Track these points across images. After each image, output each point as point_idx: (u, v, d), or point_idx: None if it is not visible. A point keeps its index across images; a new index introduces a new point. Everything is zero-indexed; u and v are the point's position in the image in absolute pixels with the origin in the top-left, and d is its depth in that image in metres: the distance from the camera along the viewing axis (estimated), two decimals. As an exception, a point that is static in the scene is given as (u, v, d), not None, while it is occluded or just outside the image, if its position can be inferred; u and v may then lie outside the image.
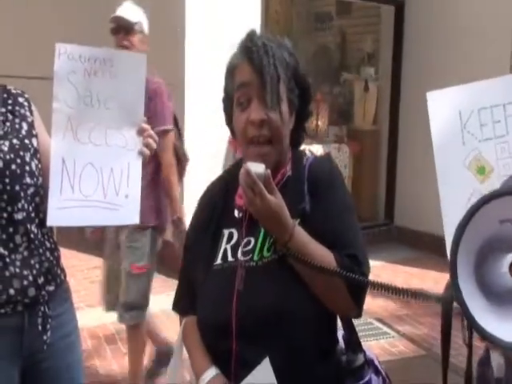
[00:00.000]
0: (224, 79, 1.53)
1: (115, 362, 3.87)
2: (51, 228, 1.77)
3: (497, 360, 1.13)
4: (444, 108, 1.99)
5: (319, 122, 6.95)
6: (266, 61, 1.40)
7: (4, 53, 6.01)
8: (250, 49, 1.43)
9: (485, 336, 1.04)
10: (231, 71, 1.49)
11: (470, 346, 1.25)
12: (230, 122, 1.54)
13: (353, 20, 7.96)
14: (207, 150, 5.01)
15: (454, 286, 1.05)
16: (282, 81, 1.43)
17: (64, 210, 1.59)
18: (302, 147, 1.63)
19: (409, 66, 6.93)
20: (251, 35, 1.47)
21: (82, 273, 5.41)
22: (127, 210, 1.64)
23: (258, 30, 1.54)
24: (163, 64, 4.80)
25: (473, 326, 1.05)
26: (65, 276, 1.82)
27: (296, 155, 1.55)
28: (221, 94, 1.56)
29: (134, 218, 1.65)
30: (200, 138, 5.02)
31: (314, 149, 6.00)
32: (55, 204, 1.59)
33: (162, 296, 3.72)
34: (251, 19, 5.36)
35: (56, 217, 1.60)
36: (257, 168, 1.32)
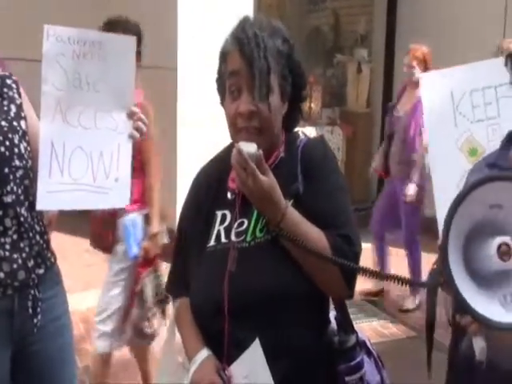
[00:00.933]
0: (218, 61, 1.52)
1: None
2: (41, 211, 1.76)
3: (479, 344, 1.14)
4: (436, 89, 1.99)
5: (312, 105, 6.93)
6: (256, 53, 1.39)
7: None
8: (240, 40, 1.42)
9: (475, 316, 1.06)
10: (224, 56, 1.49)
11: (458, 328, 1.27)
12: (221, 101, 1.54)
13: (346, 1, 7.90)
14: (201, 139, 4.99)
15: (445, 267, 1.07)
16: (273, 71, 1.42)
17: (53, 193, 1.59)
18: (295, 129, 1.63)
19: (402, 47, 6.88)
20: (243, 23, 1.46)
21: (75, 256, 5.39)
22: (117, 193, 1.64)
23: (251, 14, 1.52)
24: (156, 49, 4.78)
25: (464, 306, 1.06)
26: (55, 259, 1.82)
27: (289, 138, 1.55)
28: (214, 82, 1.55)
29: (125, 201, 1.65)
30: (193, 127, 5.01)
31: (307, 131, 5.99)
32: (44, 187, 1.59)
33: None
34: (244, 2, 5.32)
35: (45, 200, 1.59)
36: (249, 148, 1.33)
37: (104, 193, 1.62)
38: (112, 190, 1.63)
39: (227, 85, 1.46)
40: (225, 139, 1.58)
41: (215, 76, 1.54)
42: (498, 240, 1.07)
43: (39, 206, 1.61)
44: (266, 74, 1.40)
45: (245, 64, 1.41)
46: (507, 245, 1.07)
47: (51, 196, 1.59)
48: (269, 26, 1.48)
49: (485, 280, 1.11)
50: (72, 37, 1.58)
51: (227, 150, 1.59)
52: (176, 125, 5.24)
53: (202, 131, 5.01)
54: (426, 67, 4.44)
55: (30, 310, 1.69)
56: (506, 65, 1.38)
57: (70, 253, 5.42)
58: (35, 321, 1.71)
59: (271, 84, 1.42)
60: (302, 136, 1.56)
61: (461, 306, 1.10)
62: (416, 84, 3.91)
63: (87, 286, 4.71)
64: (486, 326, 1.07)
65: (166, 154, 5.22)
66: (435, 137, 1.97)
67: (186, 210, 1.63)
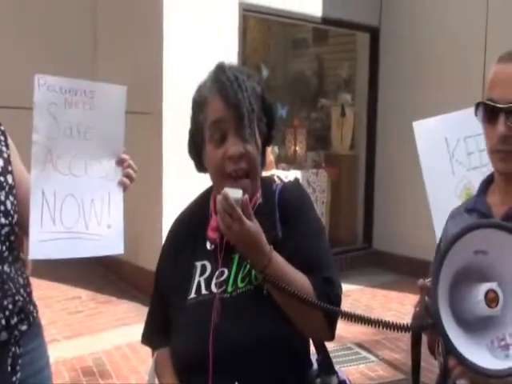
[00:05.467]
0: (192, 110, 1.52)
1: (93, 393, 3.81)
2: (24, 263, 1.73)
3: None
4: (431, 137, 2.01)
5: (297, 148, 7.01)
6: (240, 95, 1.40)
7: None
8: (222, 82, 1.42)
9: (462, 361, 1.07)
10: (201, 104, 1.48)
11: (446, 370, 1.27)
12: (196, 153, 1.53)
13: (329, 47, 8.08)
14: (184, 171, 4.99)
15: (434, 312, 1.09)
16: (255, 112, 1.44)
17: (46, 242, 1.57)
18: (271, 173, 1.64)
19: (385, 91, 7.03)
20: (222, 67, 1.47)
21: (60, 304, 5.33)
22: (111, 240, 1.63)
23: (236, 58, 1.56)
24: (142, 96, 4.82)
25: (451, 350, 1.08)
26: (37, 312, 1.78)
27: (265, 182, 1.56)
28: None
29: (118, 248, 1.64)
30: (177, 159, 5.01)
31: (291, 175, 6.04)
32: (37, 237, 1.56)
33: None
34: (229, 47, 5.42)
35: (38, 250, 1.57)
36: (234, 193, 1.33)
37: (97, 240, 1.61)
38: (105, 237, 1.62)
39: (208, 134, 1.45)
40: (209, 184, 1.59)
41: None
42: (485, 286, 1.09)
43: (32, 256, 1.58)
44: (252, 115, 1.42)
45: (229, 108, 1.41)
46: (494, 291, 1.09)
47: (44, 245, 1.57)
48: (243, 69, 1.51)
49: (472, 325, 1.12)
50: (64, 86, 1.58)
51: (203, 198, 1.60)
52: (162, 170, 5.25)
53: (188, 175, 5.03)
54: None
55: (10, 368, 1.64)
56: (476, 115, 1.41)
57: (54, 301, 5.37)
58: (14, 379, 1.65)
59: (255, 125, 1.44)
60: (277, 180, 1.57)
61: (448, 349, 1.11)
62: None
63: (73, 335, 4.66)
64: (473, 371, 1.08)
65: (151, 198, 5.25)
66: (434, 186, 1.99)
67: (163, 261, 1.61)
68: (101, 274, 5.89)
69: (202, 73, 1.56)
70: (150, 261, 5.00)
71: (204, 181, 1.63)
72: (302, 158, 7.07)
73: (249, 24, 7.59)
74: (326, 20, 6.49)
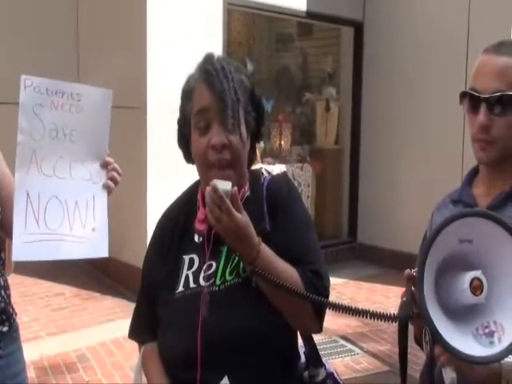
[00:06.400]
0: (181, 100, 1.52)
1: (77, 389, 3.79)
2: (3, 265, 1.72)
3: (449, 374, 1.16)
4: None
5: (282, 142, 7.01)
6: (226, 84, 1.40)
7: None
8: (209, 72, 1.42)
9: (448, 348, 1.08)
10: (189, 93, 1.48)
11: (432, 358, 1.28)
12: (184, 143, 1.53)
13: (313, 41, 8.09)
14: (169, 170, 4.98)
15: (420, 300, 1.09)
16: (241, 104, 1.43)
17: (30, 244, 1.55)
18: (259, 166, 1.64)
19: (369, 85, 7.06)
20: (210, 57, 1.47)
21: (43, 300, 5.29)
22: (95, 243, 1.61)
23: (220, 52, 1.55)
24: (125, 89, 4.80)
25: (436, 337, 1.08)
26: (16, 314, 1.78)
27: (253, 175, 1.55)
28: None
29: (103, 252, 1.62)
30: (162, 157, 5.01)
31: (276, 168, 6.05)
32: (21, 238, 1.55)
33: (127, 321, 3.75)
34: (213, 41, 5.41)
35: (22, 251, 1.55)
36: (223, 185, 1.32)
37: (81, 242, 1.60)
38: (90, 240, 1.60)
39: (193, 122, 1.46)
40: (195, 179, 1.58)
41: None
42: (471, 275, 1.10)
43: (15, 257, 1.56)
44: (236, 106, 1.41)
45: (214, 97, 1.41)
46: (479, 279, 1.10)
47: (28, 247, 1.55)
48: (232, 61, 1.51)
49: (457, 313, 1.13)
50: (50, 88, 1.57)
51: (190, 191, 1.59)
52: (146, 166, 5.23)
53: (172, 171, 5.02)
54: None
55: None
56: (460, 103, 1.43)
57: (37, 297, 5.33)
58: None
59: (240, 116, 1.43)
60: (265, 173, 1.57)
61: (434, 337, 1.12)
62: None
63: (57, 331, 4.64)
64: (458, 358, 1.09)
65: (136, 193, 5.23)
66: None
67: (150, 255, 1.61)
68: (85, 271, 5.86)
69: (186, 67, 1.55)
70: (135, 257, 5.00)
71: (189, 176, 1.62)
72: (287, 153, 7.08)
73: (233, 18, 7.57)
74: (310, 14, 6.49)
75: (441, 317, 1.10)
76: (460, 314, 1.13)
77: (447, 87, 5.81)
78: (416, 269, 1.15)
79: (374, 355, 4.40)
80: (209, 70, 1.43)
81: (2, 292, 1.68)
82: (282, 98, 7.86)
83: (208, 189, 1.32)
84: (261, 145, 6.55)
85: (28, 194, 1.57)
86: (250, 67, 7.29)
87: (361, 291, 5.91)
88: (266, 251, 1.38)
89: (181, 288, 1.47)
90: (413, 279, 1.19)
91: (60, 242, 1.58)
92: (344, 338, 4.68)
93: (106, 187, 1.64)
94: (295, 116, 7.79)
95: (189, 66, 1.52)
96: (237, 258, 1.43)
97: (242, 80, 1.46)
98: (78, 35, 6.18)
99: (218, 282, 1.44)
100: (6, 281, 1.73)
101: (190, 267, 1.49)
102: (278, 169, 5.86)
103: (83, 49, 6.14)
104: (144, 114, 5.21)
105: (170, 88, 4.94)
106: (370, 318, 1.18)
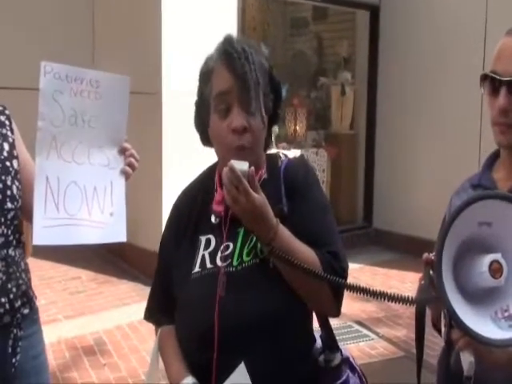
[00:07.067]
0: (198, 82, 1.50)
1: (94, 373, 3.82)
2: (24, 248, 1.74)
3: (467, 359, 1.15)
4: None
5: (297, 127, 6.99)
6: (247, 67, 1.38)
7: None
8: (229, 53, 1.40)
9: (467, 331, 1.07)
10: (207, 75, 1.46)
11: (450, 343, 1.28)
12: (201, 125, 1.51)
13: (329, 25, 8.03)
14: (184, 155, 4.99)
15: (438, 283, 1.08)
16: (261, 87, 1.42)
17: (50, 228, 1.57)
18: (276, 150, 1.63)
19: (384, 69, 7.00)
20: (229, 39, 1.45)
21: (60, 284, 5.35)
22: (113, 227, 1.63)
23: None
24: (140, 74, 4.79)
25: (455, 321, 1.08)
26: (35, 297, 1.81)
27: (270, 158, 1.55)
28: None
29: (121, 236, 1.64)
30: (177, 143, 5.02)
31: (291, 154, 6.02)
32: (40, 223, 1.56)
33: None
34: (228, 26, 5.37)
35: (42, 236, 1.57)
36: (241, 165, 1.31)
37: (100, 227, 1.61)
38: (108, 225, 1.62)
39: (213, 105, 1.44)
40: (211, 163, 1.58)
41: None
42: (490, 257, 1.09)
43: (35, 241, 1.57)
44: (258, 88, 1.40)
45: (235, 79, 1.39)
46: (498, 262, 1.09)
47: (47, 231, 1.56)
48: (252, 44, 1.49)
49: (476, 296, 1.12)
50: (70, 75, 1.58)
51: (208, 172, 1.59)
52: (161, 152, 5.24)
53: (188, 155, 5.03)
54: None
55: (10, 350, 1.67)
56: (480, 86, 1.41)
57: (55, 281, 5.39)
58: (14, 360, 1.68)
59: (260, 99, 1.42)
60: (282, 157, 1.56)
61: (452, 320, 1.11)
62: None
63: (74, 314, 4.69)
64: (477, 341, 1.08)
65: (151, 178, 5.24)
66: None
67: (167, 235, 1.61)
68: (100, 255, 5.90)
69: (201, 53, 1.54)
70: (150, 242, 5.03)
71: (204, 162, 1.62)
72: (302, 138, 7.05)
73: (248, 3, 7.53)
74: (325, -2, 6.44)
75: (459, 300, 1.09)
76: (479, 298, 1.12)
77: (464, 71, 5.74)
78: (434, 252, 1.15)
79: (389, 340, 4.40)
80: (229, 52, 1.40)
81: (23, 275, 1.70)
82: (296, 82, 7.82)
83: (225, 169, 1.31)
84: (276, 130, 6.53)
85: (48, 179, 1.58)
86: (265, 52, 7.25)
87: (376, 277, 5.90)
88: (284, 232, 1.37)
89: (197, 268, 1.47)
90: (431, 263, 1.18)
91: (79, 226, 1.60)
92: (359, 323, 4.68)
93: (124, 173, 1.66)
94: (310, 101, 7.74)
95: (204, 51, 1.51)
96: (254, 240, 1.42)
97: (262, 63, 1.45)
98: (93, 21, 6.18)
99: (235, 262, 1.44)
100: (26, 264, 1.75)
101: (206, 247, 1.48)
102: (293, 154, 5.85)
103: (99, 35, 6.14)
104: (159, 99, 5.21)
105: (186, 74, 4.93)
106: (388, 301, 1.16)
